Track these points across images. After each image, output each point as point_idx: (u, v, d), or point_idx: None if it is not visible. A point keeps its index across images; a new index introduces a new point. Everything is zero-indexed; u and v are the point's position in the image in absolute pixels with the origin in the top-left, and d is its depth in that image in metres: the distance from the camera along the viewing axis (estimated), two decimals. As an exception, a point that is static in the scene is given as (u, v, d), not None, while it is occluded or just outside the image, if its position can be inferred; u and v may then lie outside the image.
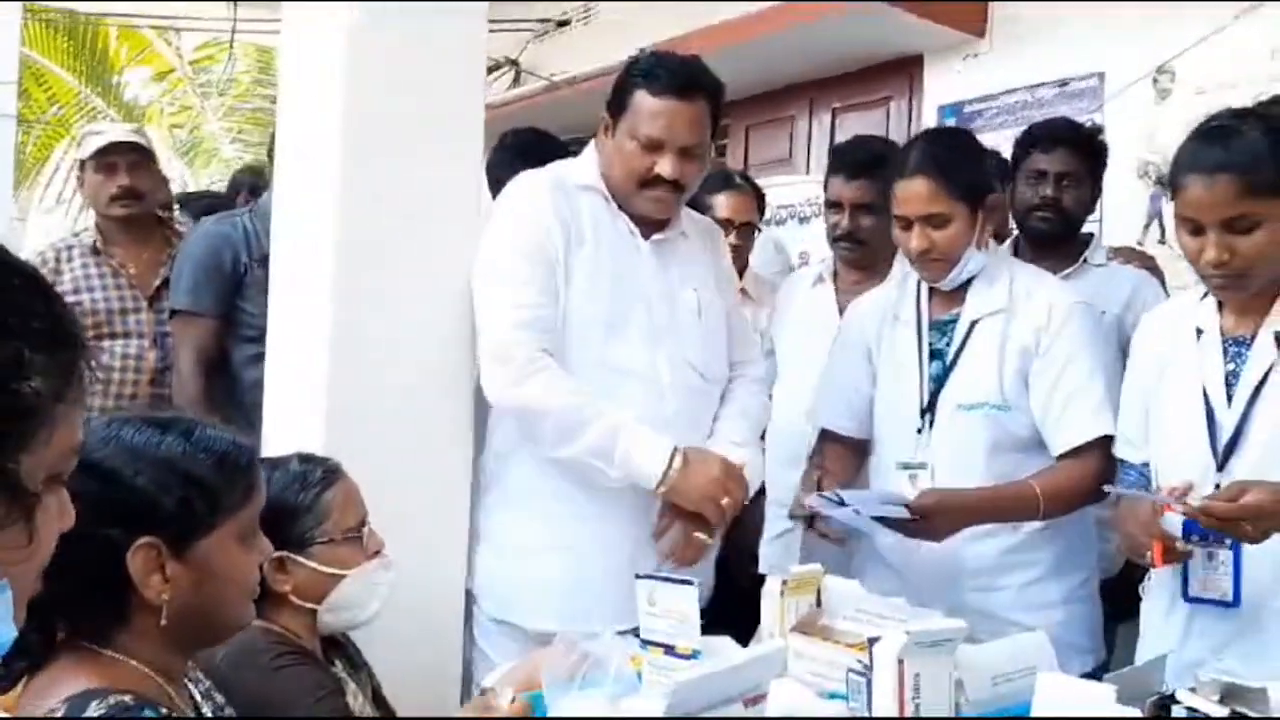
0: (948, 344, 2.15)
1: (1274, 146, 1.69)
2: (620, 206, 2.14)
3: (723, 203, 3.18)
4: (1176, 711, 1.22)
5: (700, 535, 2.09)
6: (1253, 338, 1.77)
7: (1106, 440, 2.00)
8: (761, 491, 2.85)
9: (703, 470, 2.04)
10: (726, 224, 3.14)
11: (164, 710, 1.12)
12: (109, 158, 3.03)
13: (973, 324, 2.12)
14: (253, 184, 3.83)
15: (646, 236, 2.16)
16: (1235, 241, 1.69)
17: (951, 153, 2.12)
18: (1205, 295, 1.85)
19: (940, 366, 2.14)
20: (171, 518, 1.17)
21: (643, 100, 2.08)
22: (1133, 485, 1.89)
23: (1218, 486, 1.74)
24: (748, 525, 2.87)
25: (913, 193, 2.07)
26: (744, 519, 2.85)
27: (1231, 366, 1.79)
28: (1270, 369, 1.74)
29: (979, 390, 2.09)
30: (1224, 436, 1.77)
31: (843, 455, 2.32)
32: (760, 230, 3.35)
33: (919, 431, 2.12)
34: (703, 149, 2.12)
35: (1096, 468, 2.00)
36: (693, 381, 2.15)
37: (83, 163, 3.09)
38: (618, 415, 2.04)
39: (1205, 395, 1.80)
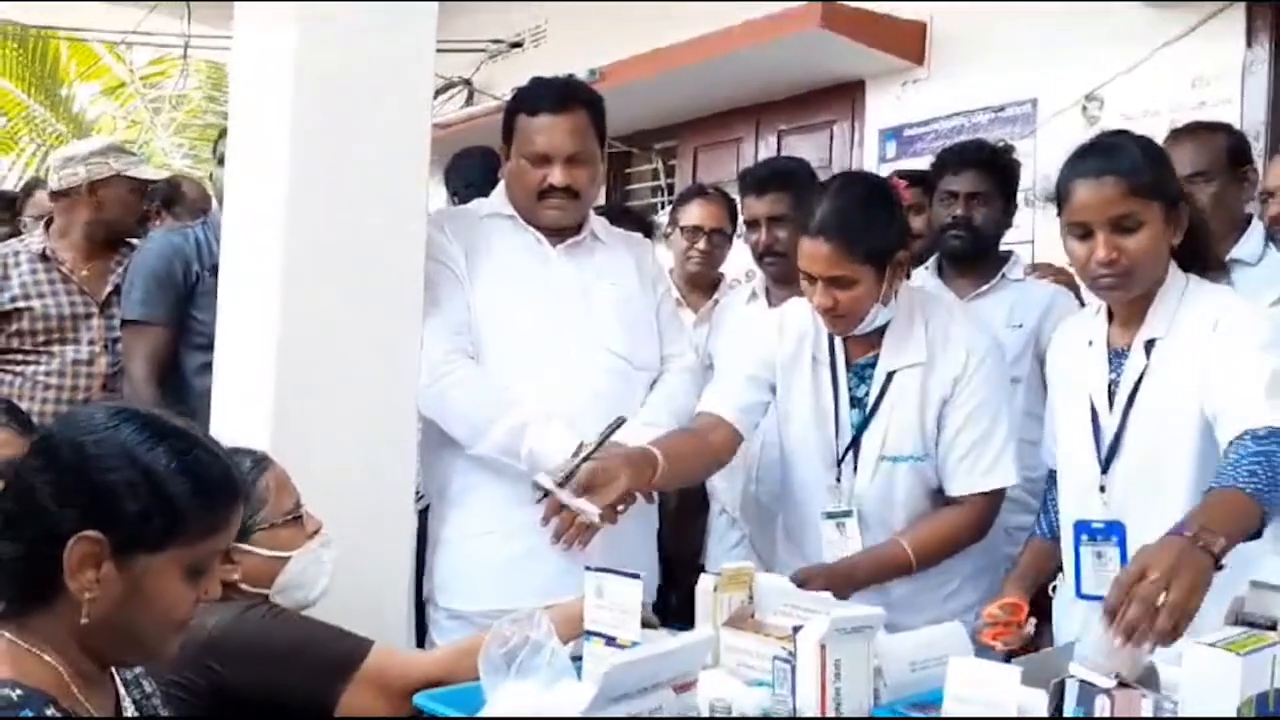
0: (867, 392, 2.15)
1: (1148, 156, 1.84)
2: (528, 221, 2.31)
3: (693, 211, 3.30)
4: (1070, 685, 1.29)
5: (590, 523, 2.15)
6: (1130, 348, 1.89)
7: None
8: (705, 504, 2.93)
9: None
10: (696, 231, 3.25)
11: (49, 712, 1.10)
12: (145, 187, 3.17)
13: (890, 374, 2.12)
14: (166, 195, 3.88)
15: (555, 244, 2.31)
16: (1122, 241, 1.80)
17: (858, 213, 2.03)
18: (1100, 309, 1.97)
19: (860, 415, 2.15)
20: (124, 523, 1.16)
21: (525, 122, 2.27)
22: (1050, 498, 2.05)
23: (1102, 489, 1.87)
24: (689, 535, 2.94)
25: (817, 254, 2.02)
26: (685, 529, 2.93)
27: (1114, 376, 1.90)
28: (1141, 376, 1.86)
29: (904, 443, 2.11)
30: (1106, 442, 1.88)
31: (700, 437, 2.18)
32: (733, 238, 3.42)
33: (838, 480, 2.15)
34: (589, 155, 2.28)
35: (980, 515, 2.12)
36: (614, 364, 2.27)
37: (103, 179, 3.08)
38: (524, 411, 2.16)
39: (1091, 403, 1.91)
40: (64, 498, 1.16)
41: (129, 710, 1.30)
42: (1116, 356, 1.91)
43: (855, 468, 2.13)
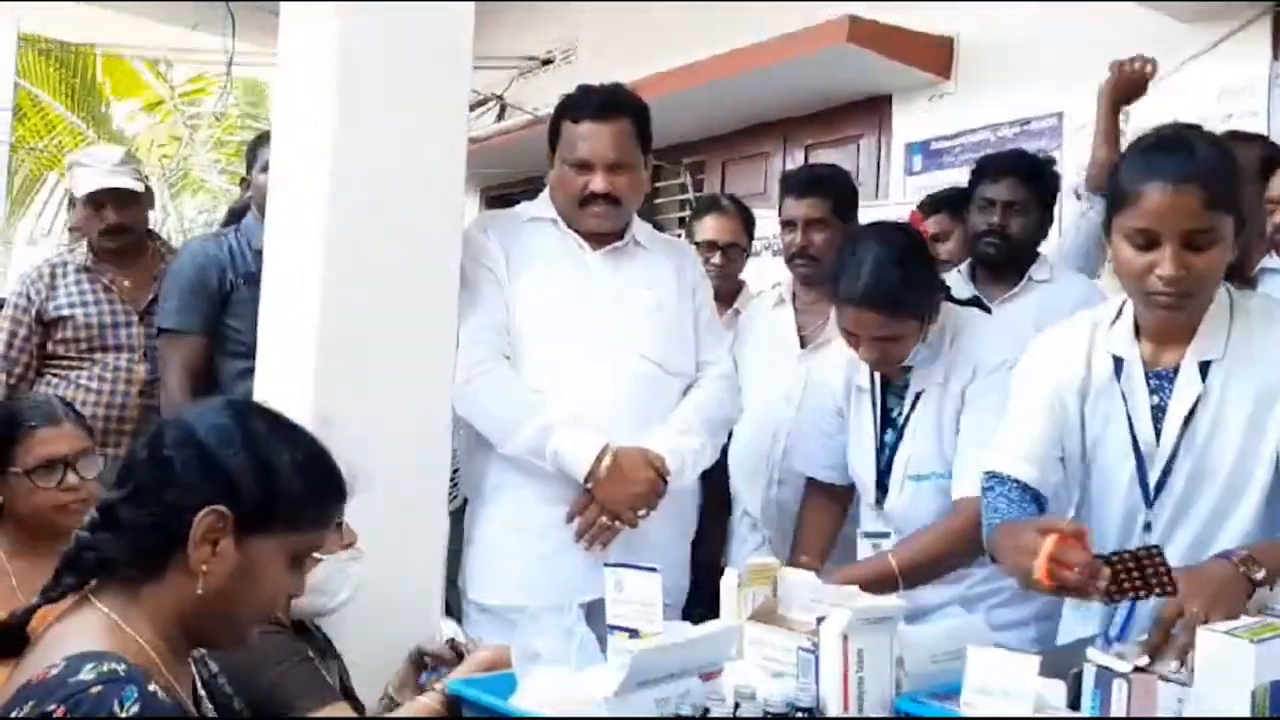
0: (899, 414, 2.22)
1: (1224, 162, 1.63)
2: (570, 226, 2.35)
3: (708, 225, 3.31)
4: (1086, 670, 1.32)
5: (611, 524, 2.23)
6: (1175, 370, 1.71)
7: None
8: (728, 508, 2.96)
9: (629, 478, 2.19)
10: (711, 245, 3.27)
11: (150, 688, 1.15)
12: (98, 197, 3.13)
13: (917, 395, 2.20)
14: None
15: (596, 249, 2.35)
16: (1191, 258, 1.60)
17: (898, 277, 2.05)
18: (1116, 320, 1.78)
19: (894, 435, 2.21)
20: (249, 504, 1.24)
21: (569, 129, 2.31)
22: (1013, 502, 1.77)
23: (1148, 526, 1.73)
24: (713, 539, 2.97)
25: (863, 321, 2.09)
26: (709, 534, 2.96)
27: (1156, 400, 1.72)
28: (1198, 401, 1.69)
29: (927, 462, 2.17)
30: (1154, 472, 1.72)
31: (824, 506, 2.39)
32: (749, 252, 3.44)
33: (876, 501, 2.21)
34: (631, 163, 2.31)
35: (970, 519, 1.93)
36: (646, 369, 2.32)
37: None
38: (551, 414, 2.21)
39: (1131, 429, 1.74)
40: (199, 473, 1.24)
41: (199, 688, 1.36)
42: (1156, 379, 1.73)
43: (887, 489, 2.20)
